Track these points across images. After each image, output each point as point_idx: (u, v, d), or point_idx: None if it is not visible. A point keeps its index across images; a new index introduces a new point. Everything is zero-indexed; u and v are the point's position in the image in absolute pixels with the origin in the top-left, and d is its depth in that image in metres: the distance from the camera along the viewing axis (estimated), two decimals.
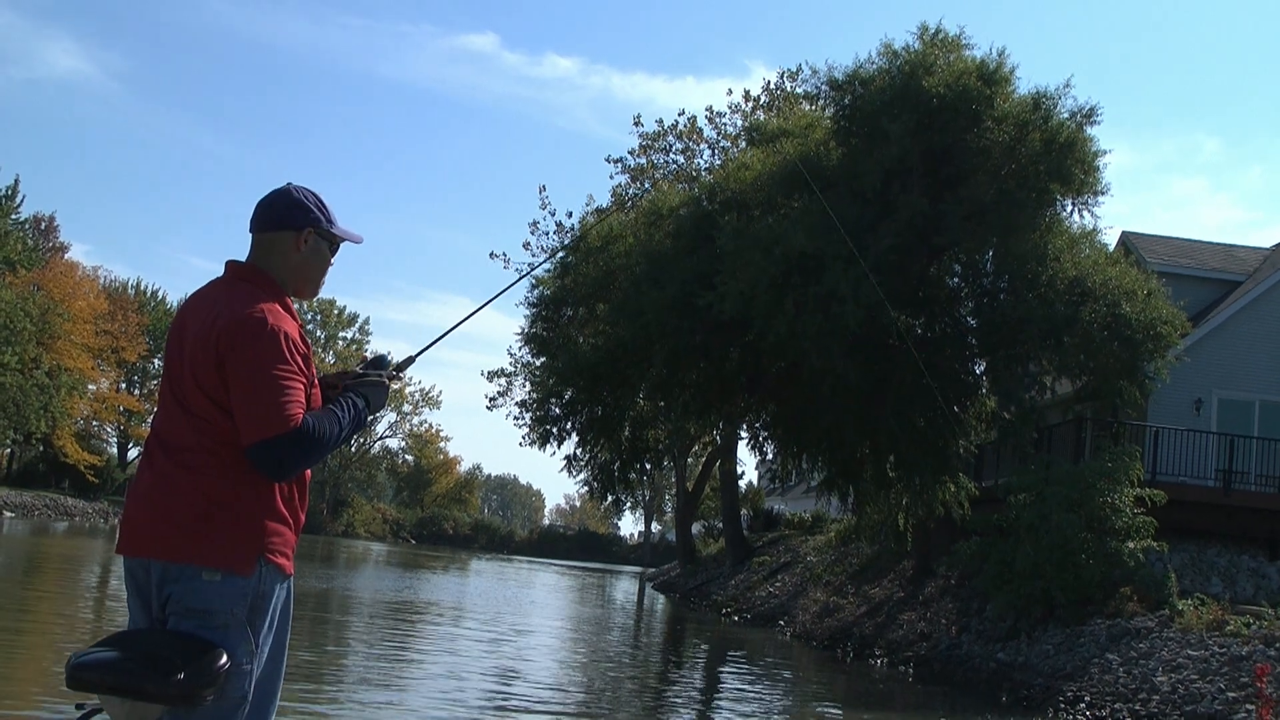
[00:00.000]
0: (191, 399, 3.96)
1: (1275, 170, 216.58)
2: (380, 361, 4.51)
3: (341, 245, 4.40)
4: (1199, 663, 16.87)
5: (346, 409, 4.15)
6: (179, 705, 3.70)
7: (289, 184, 4.28)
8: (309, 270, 4.27)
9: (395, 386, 4.63)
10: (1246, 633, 17.31)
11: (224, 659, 3.75)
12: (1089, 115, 24.04)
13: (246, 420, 3.86)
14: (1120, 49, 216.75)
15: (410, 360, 4.66)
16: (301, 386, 3.99)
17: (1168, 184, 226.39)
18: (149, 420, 79.65)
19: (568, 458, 35.26)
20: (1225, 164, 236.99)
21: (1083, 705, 17.15)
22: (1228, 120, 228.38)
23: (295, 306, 4.29)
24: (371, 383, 4.34)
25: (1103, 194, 24.58)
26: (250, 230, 4.23)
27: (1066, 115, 24.01)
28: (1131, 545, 21.07)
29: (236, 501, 3.90)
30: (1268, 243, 35.34)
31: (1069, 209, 24.92)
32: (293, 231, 4.18)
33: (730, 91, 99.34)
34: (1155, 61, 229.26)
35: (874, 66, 25.11)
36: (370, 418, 4.42)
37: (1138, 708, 16.31)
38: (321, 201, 4.27)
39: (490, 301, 5.35)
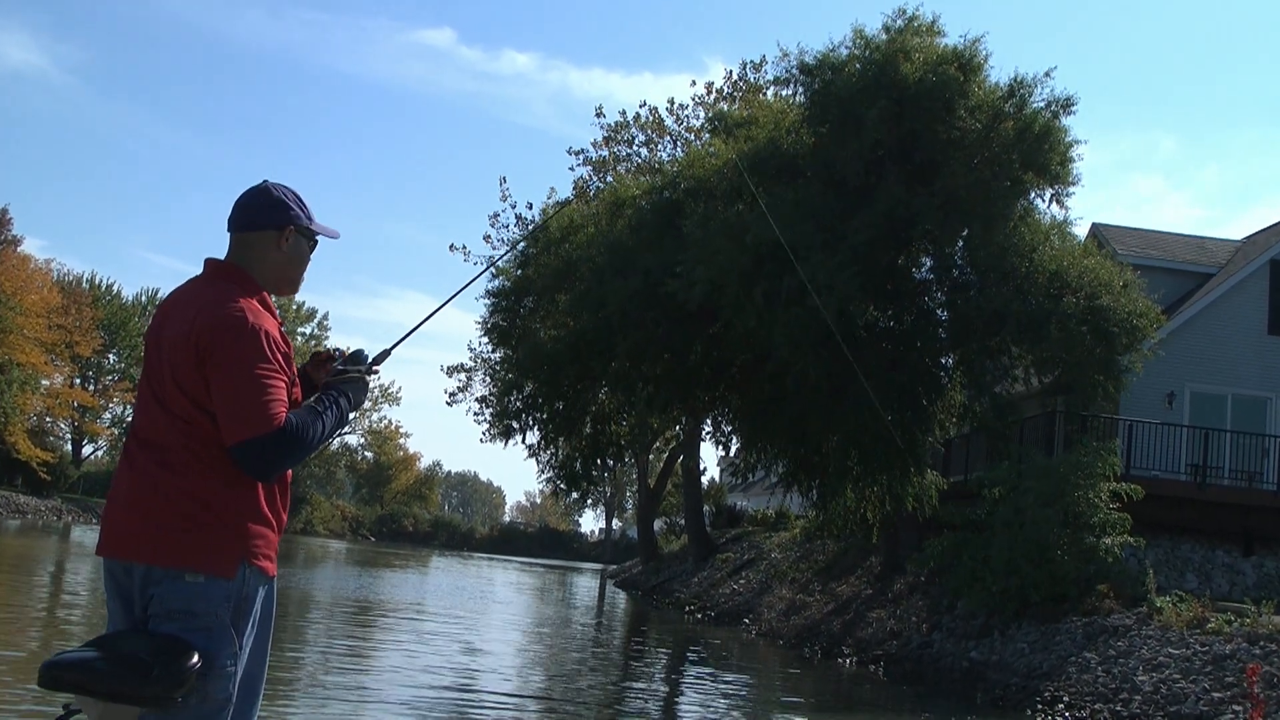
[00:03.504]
0: (172, 399, 3.91)
1: (1232, 169, 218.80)
2: (358, 356, 4.45)
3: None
4: (1181, 661, 16.41)
5: (329, 406, 4.12)
6: (151, 707, 3.68)
7: (266, 182, 4.25)
8: (290, 268, 4.25)
9: (373, 381, 4.55)
10: (1228, 630, 16.86)
11: (195, 659, 3.69)
12: (1065, 105, 23.60)
13: (229, 420, 3.82)
14: (1076, 46, 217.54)
15: (386, 353, 4.61)
16: (284, 385, 3.95)
17: (1125, 182, 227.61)
18: (103, 416, 79.45)
19: (530, 447, 34.79)
20: (1182, 162, 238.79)
21: (1061, 706, 16.69)
22: (1184, 118, 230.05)
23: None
24: (351, 379, 4.31)
25: (1075, 184, 24.19)
26: (229, 229, 4.20)
27: (1042, 104, 23.56)
28: (1108, 541, 20.62)
29: (219, 504, 3.86)
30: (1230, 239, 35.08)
31: (1046, 199, 24.55)
32: (274, 230, 4.16)
33: (694, 83, 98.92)
34: (1112, 59, 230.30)
35: (845, 51, 24.62)
36: (352, 414, 4.39)
37: (1119, 708, 15.84)
38: (300, 199, 4.26)
39: (463, 289, 5.26)
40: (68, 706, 3.83)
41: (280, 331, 4.05)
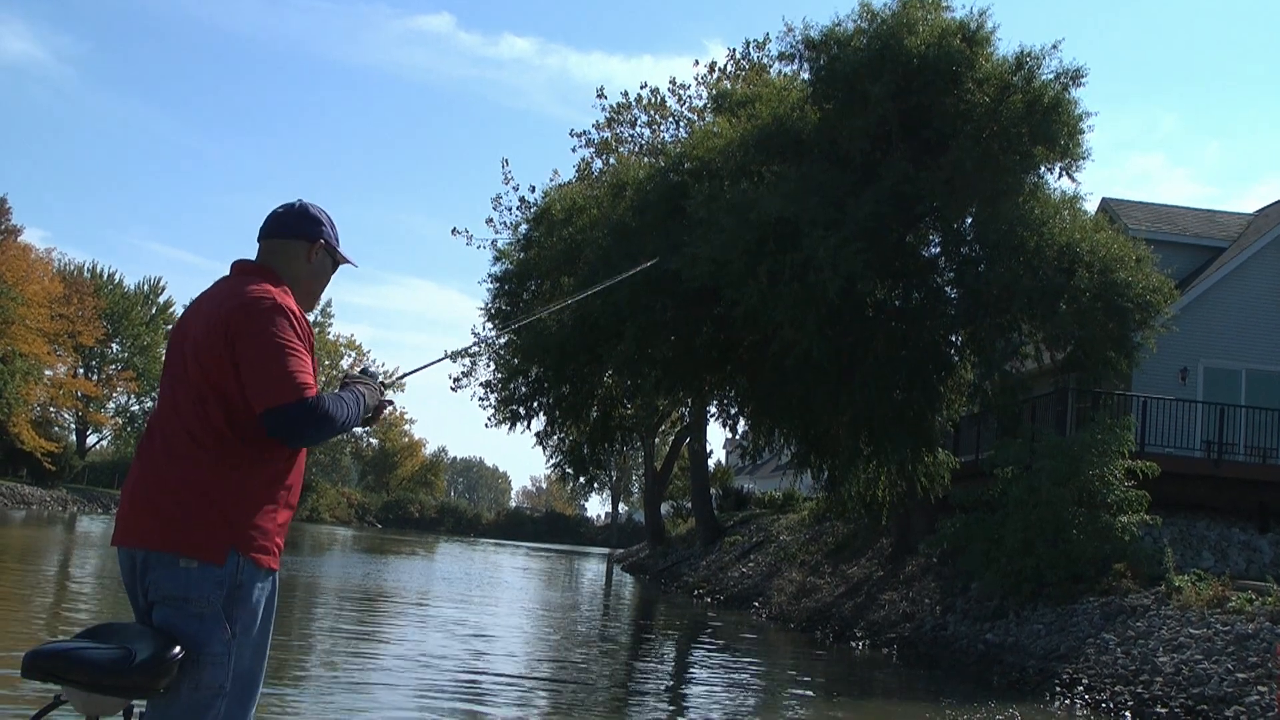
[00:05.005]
0: (192, 382, 4.03)
1: (1233, 146, 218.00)
2: (367, 372, 4.58)
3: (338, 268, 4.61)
4: (1202, 642, 16.08)
5: (347, 395, 4.25)
6: (134, 696, 3.78)
7: (302, 200, 4.45)
8: (313, 282, 4.44)
9: (387, 399, 4.62)
10: (1250, 609, 16.52)
11: (177, 650, 3.74)
12: (1075, 77, 23.18)
13: (259, 388, 3.93)
14: (1075, 23, 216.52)
15: (400, 380, 4.98)
16: (309, 362, 4.10)
17: (1126, 159, 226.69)
18: (107, 406, 79.33)
19: (538, 434, 34.56)
20: (1183, 139, 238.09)
21: (1080, 688, 16.37)
22: (1185, 95, 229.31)
23: None
24: (364, 382, 4.45)
25: (1085, 158, 23.78)
26: (260, 238, 4.38)
27: (1051, 76, 23.17)
28: (1124, 520, 20.29)
29: (215, 491, 3.93)
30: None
31: (1055, 173, 24.12)
32: (306, 242, 4.37)
33: (697, 63, 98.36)
34: (1113, 36, 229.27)
35: (851, 26, 24.25)
36: (361, 421, 4.43)
37: (1140, 690, 15.53)
38: (333, 221, 4.49)
39: (478, 345, 5.16)
40: (58, 697, 3.87)
41: (304, 319, 4.20)
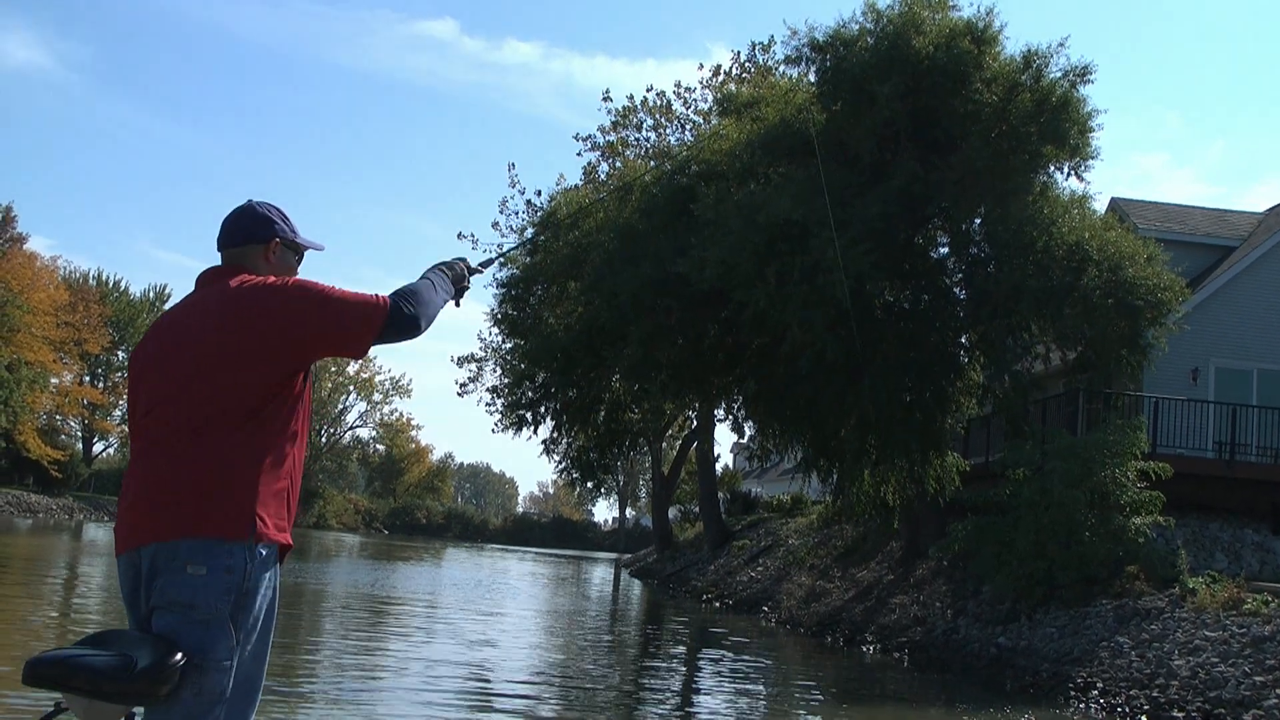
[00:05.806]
0: (184, 385, 4.00)
1: (1237, 145, 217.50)
2: (443, 263, 4.73)
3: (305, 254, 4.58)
4: (1218, 645, 15.90)
5: (425, 282, 4.44)
6: (135, 703, 3.72)
7: (250, 201, 4.44)
8: None
9: (474, 268, 4.89)
10: (1266, 611, 16.35)
11: (179, 656, 3.69)
12: (1082, 74, 23.03)
13: (352, 330, 4.08)
14: (1079, 23, 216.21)
15: (489, 263, 5.04)
16: None
17: (1130, 159, 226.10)
18: (114, 414, 79.16)
19: (545, 441, 34.50)
20: (1187, 139, 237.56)
21: (1095, 692, 16.18)
22: (1189, 94, 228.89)
23: None
24: (439, 270, 4.64)
25: (1095, 157, 23.62)
26: (219, 248, 4.36)
27: (1059, 74, 23.02)
28: (1137, 521, 20.10)
29: (216, 482, 3.89)
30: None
31: (1064, 172, 23.97)
32: (260, 244, 4.34)
33: (701, 66, 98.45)
34: (1113, 36, 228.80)
35: (856, 26, 24.12)
36: (447, 297, 4.58)
37: (1155, 694, 15.34)
38: (284, 214, 4.45)
39: (524, 244, 5.29)
40: (58, 704, 3.83)
41: None
